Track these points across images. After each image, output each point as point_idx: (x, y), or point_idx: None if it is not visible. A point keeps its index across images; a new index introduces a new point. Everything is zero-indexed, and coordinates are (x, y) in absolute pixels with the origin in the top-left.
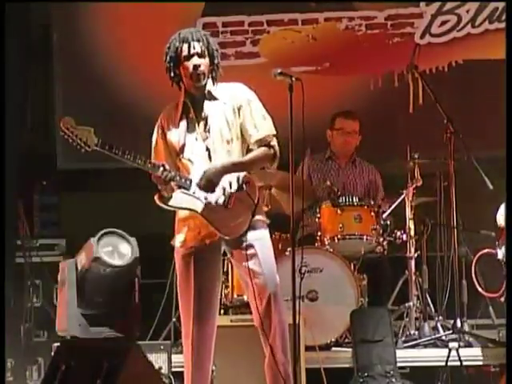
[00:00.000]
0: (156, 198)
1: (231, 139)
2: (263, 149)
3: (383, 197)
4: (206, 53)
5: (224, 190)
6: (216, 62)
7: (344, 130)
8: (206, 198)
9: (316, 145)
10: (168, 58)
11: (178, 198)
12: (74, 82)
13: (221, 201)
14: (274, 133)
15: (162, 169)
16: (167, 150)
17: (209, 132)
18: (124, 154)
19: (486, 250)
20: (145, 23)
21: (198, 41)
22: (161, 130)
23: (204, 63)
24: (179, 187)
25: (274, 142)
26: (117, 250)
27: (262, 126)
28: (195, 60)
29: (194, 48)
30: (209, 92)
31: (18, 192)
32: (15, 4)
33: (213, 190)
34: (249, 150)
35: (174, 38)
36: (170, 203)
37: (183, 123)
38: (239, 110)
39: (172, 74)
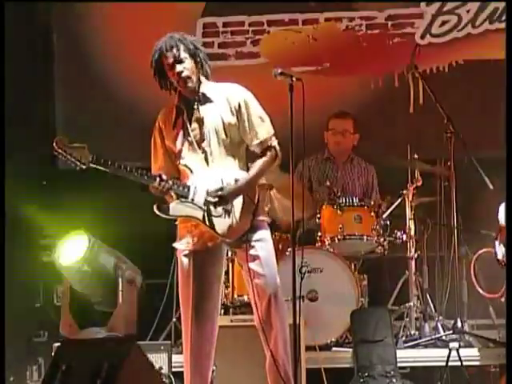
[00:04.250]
0: (155, 208)
1: (228, 141)
2: (267, 154)
3: (378, 199)
4: (187, 55)
5: (220, 194)
6: (199, 59)
7: (335, 129)
8: (204, 204)
9: (316, 145)
10: (154, 72)
11: (177, 207)
12: (74, 82)
13: (220, 206)
14: (273, 132)
15: (158, 180)
16: (166, 154)
17: (206, 134)
18: (119, 167)
19: (485, 250)
20: (145, 23)
21: (172, 48)
22: (159, 133)
23: (186, 67)
24: (178, 196)
25: (275, 142)
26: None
27: (261, 127)
28: (177, 68)
29: (170, 57)
30: (203, 94)
31: (18, 192)
32: (15, 4)
33: (227, 207)
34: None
35: (152, 52)
36: (170, 213)
37: (179, 127)
38: (237, 111)
39: (163, 85)
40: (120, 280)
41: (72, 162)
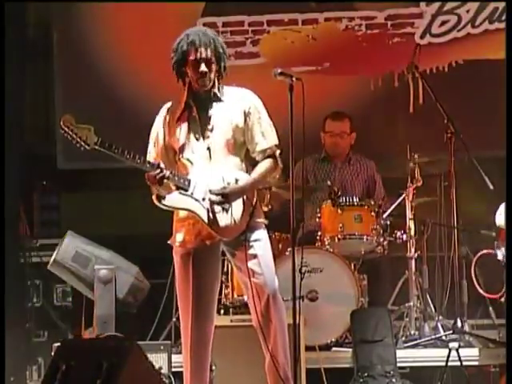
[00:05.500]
0: (154, 197)
1: (232, 141)
2: (269, 161)
3: (384, 195)
4: (214, 58)
5: (223, 192)
6: (223, 64)
7: (333, 132)
8: (203, 199)
9: (316, 145)
10: (175, 59)
11: (176, 198)
12: (74, 82)
13: (221, 205)
14: (278, 143)
15: (160, 168)
16: (164, 149)
17: (211, 131)
18: (123, 152)
19: (485, 251)
20: (145, 23)
21: (206, 46)
22: (161, 127)
23: (211, 69)
24: (177, 187)
25: (277, 153)
26: None
27: (269, 135)
28: (202, 67)
29: (201, 54)
30: (214, 94)
31: (18, 192)
32: (15, 4)
33: (226, 206)
34: (248, 156)
35: (181, 38)
36: (168, 203)
37: (185, 122)
38: (247, 115)
39: (178, 73)
40: (95, 280)
41: (77, 142)
